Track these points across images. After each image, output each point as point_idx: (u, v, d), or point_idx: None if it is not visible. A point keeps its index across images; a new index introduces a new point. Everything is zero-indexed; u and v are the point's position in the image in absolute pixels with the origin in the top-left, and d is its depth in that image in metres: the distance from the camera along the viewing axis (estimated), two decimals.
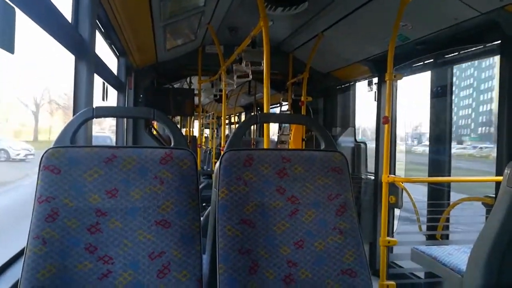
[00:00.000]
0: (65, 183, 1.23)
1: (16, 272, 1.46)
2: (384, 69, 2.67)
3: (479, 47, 2.76)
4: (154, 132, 4.91)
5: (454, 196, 3.16)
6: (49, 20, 1.56)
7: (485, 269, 1.57)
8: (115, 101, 3.73)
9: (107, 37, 3.00)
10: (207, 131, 12.04)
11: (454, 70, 3.32)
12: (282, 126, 5.66)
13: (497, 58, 2.51)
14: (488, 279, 1.57)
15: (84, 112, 1.35)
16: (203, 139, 12.07)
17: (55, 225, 1.19)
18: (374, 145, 3.97)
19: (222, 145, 4.73)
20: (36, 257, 1.15)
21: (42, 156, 1.24)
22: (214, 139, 9.28)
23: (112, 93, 3.49)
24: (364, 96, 4.33)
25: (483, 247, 1.59)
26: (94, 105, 1.66)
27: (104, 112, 1.42)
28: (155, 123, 5.27)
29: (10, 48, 1.17)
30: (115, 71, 3.58)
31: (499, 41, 2.51)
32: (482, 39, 2.64)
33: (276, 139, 5.91)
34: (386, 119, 2.64)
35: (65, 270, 1.17)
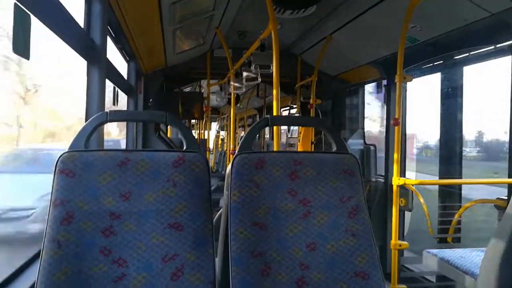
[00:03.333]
0: (80, 186, 1.24)
1: (32, 275, 1.49)
2: (393, 71, 2.67)
3: (490, 47, 2.73)
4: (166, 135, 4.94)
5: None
6: (62, 26, 1.59)
7: (499, 272, 1.55)
8: (125, 105, 3.77)
9: (117, 42, 3.03)
10: (223, 133, 12.10)
11: None
12: (290, 129, 5.66)
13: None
14: (502, 282, 1.56)
15: (98, 116, 1.36)
16: (219, 142, 12.12)
17: (70, 228, 1.20)
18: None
19: (231, 148, 4.73)
20: (52, 260, 1.17)
21: (58, 160, 1.26)
22: (229, 141, 9.33)
23: (122, 97, 3.54)
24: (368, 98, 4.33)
25: (496, 250, 1.57)
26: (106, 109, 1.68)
27: (118, 116, 1.44)
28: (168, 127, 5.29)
29: (26, 54, 1.20)
30: (125, 75, 3.62)
31: (511, 42, 2.49)
32: (493, 40, 2.62)
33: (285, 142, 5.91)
34: (396, 121, 2.63)
35: (80, 273, 1.18)
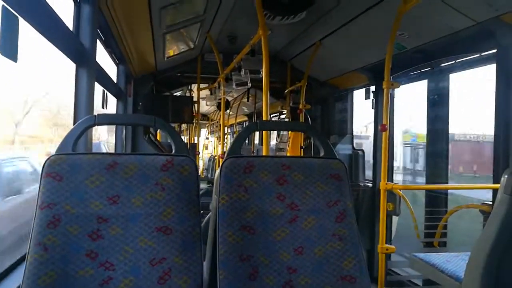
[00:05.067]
0: (67, 189, 1.23)
1: (17, 278, 1.47)
2: (381, 78, 2.70)
3: (475, 55, 2.79)
4: (156, 138, 4.91)
5: None
6: (51, 28, 1.58)
7: (483, 276, 1.58)
8: (114, 108, 3.75)
9: (107, 45, 3.02)
10: (213, 139, 12.17)
11: None
12: (280, 133, 5.68)
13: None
14: (486, 286, 1.58)
15: (86, 119, 1.36)
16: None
17: (56, 232, 1.19)
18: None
19: (221, 152, 4.73)
20: (37, 263, 1.15)
21: (45, 163, 1.25)
22: (218, 147, 9.36)
23: (111, 101, 3.51)
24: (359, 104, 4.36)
25: (481, 254, 1.60)
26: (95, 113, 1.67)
27: (106, 120, 1.44)
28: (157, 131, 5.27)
29: (13, 57, 1.19)
30: (114, 78, 3.60)
31: (495, 50, 2.55)
32: (478, 48, 2.68)
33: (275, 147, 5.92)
34: (383, 127, 2.66)
35: (66, 276, 1.17)
